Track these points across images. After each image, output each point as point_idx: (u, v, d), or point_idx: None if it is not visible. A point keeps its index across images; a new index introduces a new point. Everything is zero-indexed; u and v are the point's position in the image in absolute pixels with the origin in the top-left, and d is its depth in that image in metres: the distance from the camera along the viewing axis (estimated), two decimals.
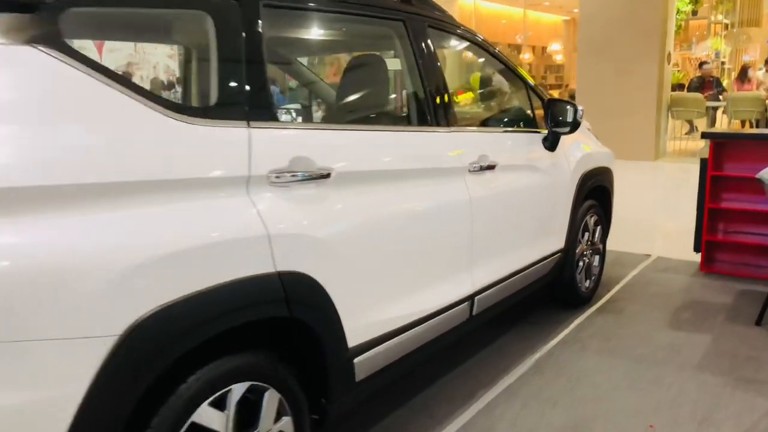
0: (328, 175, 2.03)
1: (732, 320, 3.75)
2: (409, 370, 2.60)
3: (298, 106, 2.35)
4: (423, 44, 2.64)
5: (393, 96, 2.59)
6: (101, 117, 1.51)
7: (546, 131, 3.36)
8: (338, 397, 2.12)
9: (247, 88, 1.85)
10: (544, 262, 3.39)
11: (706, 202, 4.63)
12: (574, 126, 3.27)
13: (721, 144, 4.64)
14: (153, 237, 1.53)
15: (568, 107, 3.25)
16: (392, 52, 2.82)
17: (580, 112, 3.25)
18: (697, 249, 4.78)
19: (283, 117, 2.26)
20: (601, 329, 3.64)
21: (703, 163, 4.61)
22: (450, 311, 2.63)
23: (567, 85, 18.83)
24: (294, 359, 2.01)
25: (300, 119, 2.71)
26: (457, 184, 2.64)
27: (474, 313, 2.81)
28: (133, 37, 2.84)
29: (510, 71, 3.35)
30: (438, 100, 2.65)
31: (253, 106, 1.86)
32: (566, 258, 3.67)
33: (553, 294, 3.93)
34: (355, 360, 2.15)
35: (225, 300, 1.67)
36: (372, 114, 2.54)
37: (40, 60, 1.43)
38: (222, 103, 1.80)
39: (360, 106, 2.48)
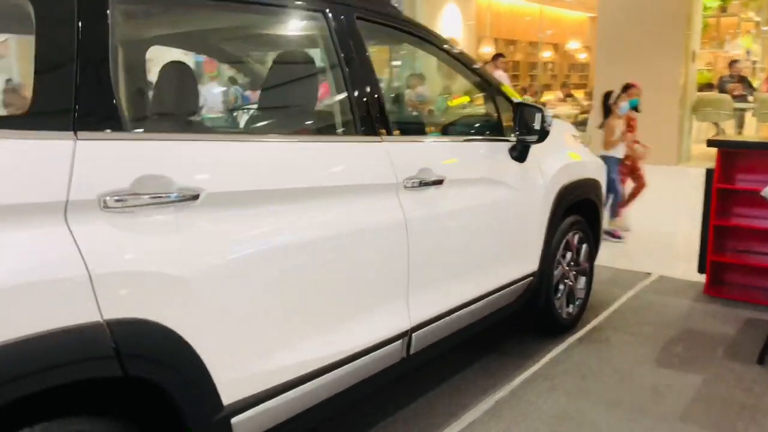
0: (195, 197, 1.66)
1: (731, 357, 3.28)
2: (323, 419, 2.21)
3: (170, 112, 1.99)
4: (347, 39, 2.25)
5: (301, 101, 2.21)
6: None
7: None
8: None
9: (76, 91, 1.49)
10: (510, 288, 2.97)
11: (711, 218, 4.15)
12: (542, 134, 2.84)
13: (730, 153, 4.15)
14: None
15: (536, 113, 2.83)
16: (313, 47, 2.43)
17: (548, 119, 2.82)
18: (701, 270, 4.29)
19: (144, 125, 1.89)
20: (578, 364, 3.21)
21: (709, 174, 4.13)
22: (375, 352, 2.24)
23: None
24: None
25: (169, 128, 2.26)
26: (385, 202, 2.25)
27: (411, 352, 2.42)
28: None
29: (470, 72, 2.94)
30: (363, 105, 2.26)
31: (83, 113, 1.49)
32: (541, 281, 3.24)
33: (528, 321, 3.51)
34: (234, 420, 1.77)
35: (13, 361, 1.31)
36: (267, 122, 2.16)
37: None
38: (37, 111, 1.44)
39: (257, 113, 2.11)
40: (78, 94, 1.49)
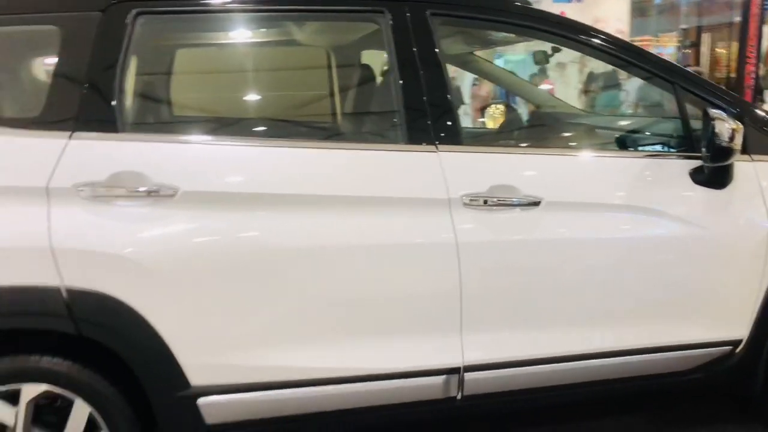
0: (172, 195, 1.86)
1: None
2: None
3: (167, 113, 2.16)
4: (409, 39, 2.05)
5: (332, 103, 2.07)
6: None
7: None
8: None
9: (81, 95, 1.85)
10: (670, 354, 2.24)
11: None
12: (720, 154, 2.03)
13: None
14: None
15: (718, 121, 2.02)
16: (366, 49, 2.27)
17: (725, 133, 1.99)
18: None
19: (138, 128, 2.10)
20: None
21: None
22: (406, 380, 2.06)
23: None
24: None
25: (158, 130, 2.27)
26: (429, 219, 2.01)
27: (465, 394, 2.11)
28: None
29: (627, 62, 2.26)
30: (413, 111, 2.05)
31: (81, 116, 1.84)
32: (754, 354, 2.32)
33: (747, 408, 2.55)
34: (200, 401, 1.93)
35: None
36: (275, 124, 2.14)
37: None
38: (40, 115, 1.85)
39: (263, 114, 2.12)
40: (81, 102, 1.85)
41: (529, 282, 2.12)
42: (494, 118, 3.81)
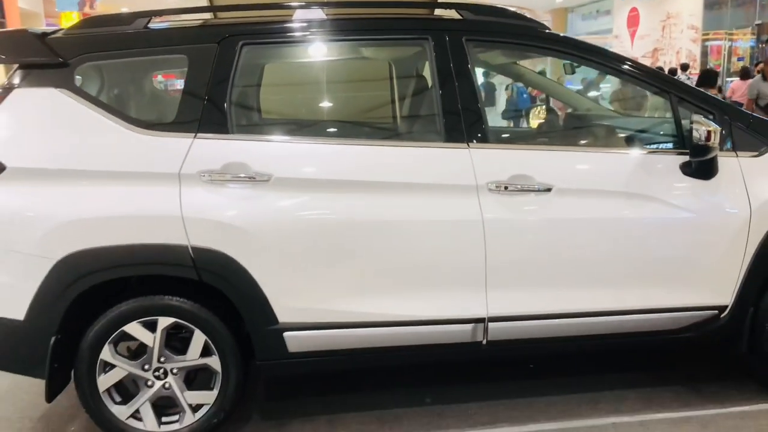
0: (267, 179, 2.51)
1: None
2: (373, 365, 2.79)
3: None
4: (447, 59, 2.63)
5: (385, 109, 2.65)
6: (85, 128, 2.49)
7: None
8: (266, 358, 2.62)
9: (203, 105, 2.52)
10: (660, 315, 2.72)
11: None
12: (697, 151, 2.50)
13: None
14: (95, 205, 2.45)
15: (699, 124, 2.50)
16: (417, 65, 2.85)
17: (702, 132, 2.46)
18: None
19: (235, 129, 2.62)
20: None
21: None
22: (443, 326, 2.64)
23: None
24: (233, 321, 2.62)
25: (253, 131, 2.79)
26: (460, 200, 2.58)
27: (489, 339, 2.67)
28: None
29: (626, 74, 2.76)
30: (451, 116, 2.63)
31: (203, 121, 2.52)
32: (737, 319, 2.77)
33: (749, 365, 2.99)
34: (286, 334, 2.58)
35: (137, 254, 2.46)
36: (346, 126, 2.76)
37: (58, 96, 2.49)
38: (174, 120, 2.54)
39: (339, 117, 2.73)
40: (203, 110, 2.52)
41: (540, 252, 2.66)
42: (537, 117, 4.35)
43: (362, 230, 2.56)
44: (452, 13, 2.81)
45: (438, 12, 3.07)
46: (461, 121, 2.62)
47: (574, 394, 2.98)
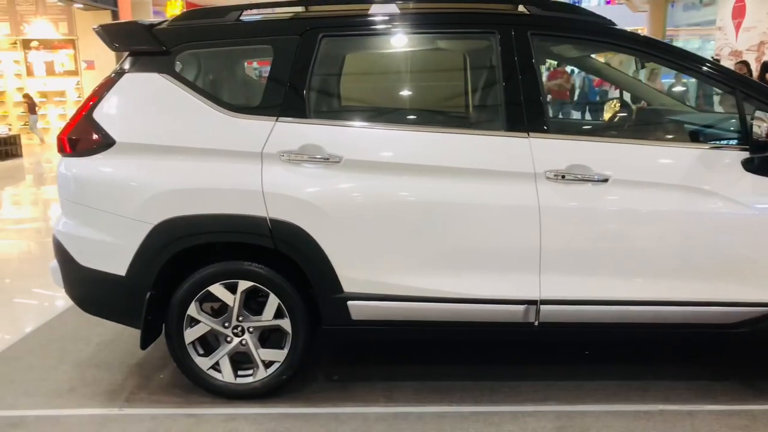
0: (339, 161, 2.75)
1: None
2: (429, 338, 3.02)
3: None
4: (512, 52, 2.76)
5: (452, 98, 2.81)
6: (182, 109, 2.81)
7: None
8: (331, 323, 2.88)
9: (285, 92, 2.79)
10: (714, 308, 2.76)
11: None
12: (757, 147, 2.51)
13: None
14: (188, 178, 2.77)
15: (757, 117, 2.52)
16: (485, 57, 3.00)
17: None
18: None
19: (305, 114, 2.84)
20: None
21: None
22: (498, 306, 2.80)
23: None
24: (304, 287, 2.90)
25: (326, 117, 3.03)
26: (518, 187, 2.72)
27: (540, 320, 2.81)
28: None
29: (695, 72, 2.79)
30: (514, 107, 2.77)
31: (284, 105, 2.78)
32: None
33: None
34: (350, 302, 2.82)
35: (222, 223, 2.77)
36: (414, 113, 2.98)
37: (161, 80, 2.83)
38: (259, 104, 2.82)
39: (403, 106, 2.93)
40: (284, 96, 2.79)
41: (593, 240, 2.76)
42: (611, 109, 4.39)
43: (424, 211, 2.76)
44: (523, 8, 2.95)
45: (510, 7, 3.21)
46: (523, 111, 2.77)
47: (625, 381, 3.07)
